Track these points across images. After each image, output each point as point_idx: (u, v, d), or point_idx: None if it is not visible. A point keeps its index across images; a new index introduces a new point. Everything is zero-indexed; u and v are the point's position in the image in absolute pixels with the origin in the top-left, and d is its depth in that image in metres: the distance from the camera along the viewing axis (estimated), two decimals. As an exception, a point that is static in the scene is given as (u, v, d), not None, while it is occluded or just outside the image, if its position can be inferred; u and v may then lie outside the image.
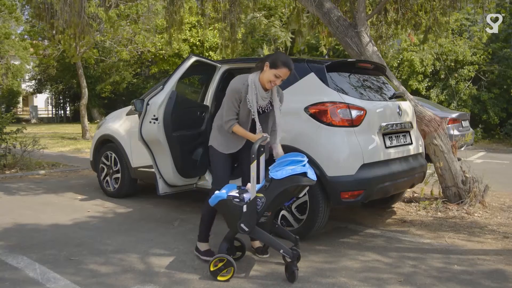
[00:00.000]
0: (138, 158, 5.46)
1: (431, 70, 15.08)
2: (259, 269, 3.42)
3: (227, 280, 3.14)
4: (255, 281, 3.18)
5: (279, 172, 3.10)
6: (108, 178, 5.98)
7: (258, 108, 3.42)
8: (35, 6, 7.96)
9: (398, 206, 5.44)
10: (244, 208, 3.16)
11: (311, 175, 3.17)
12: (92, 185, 6.76)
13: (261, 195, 3.16)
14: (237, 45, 7.69)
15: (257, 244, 3.72)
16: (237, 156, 3.64)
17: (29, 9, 19.19)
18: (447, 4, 6.73)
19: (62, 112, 33.48)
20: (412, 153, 4.69)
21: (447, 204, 5.27)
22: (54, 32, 8.71)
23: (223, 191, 3.33)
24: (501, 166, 9.27)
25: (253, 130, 3.48)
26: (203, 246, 3.61)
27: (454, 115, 9.93)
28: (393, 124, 4.42)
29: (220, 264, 3.16)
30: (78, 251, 3.78)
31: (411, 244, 4.07)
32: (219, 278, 3.15)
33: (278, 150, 3.51)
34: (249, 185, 3.23)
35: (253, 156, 3.12)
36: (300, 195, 3.91)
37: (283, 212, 4.17)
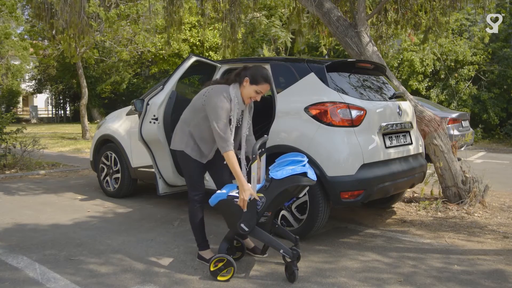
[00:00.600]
0: (138, 158, 5.46)
1: (431, 70, 15.08)
2: (259, 269, 3.42)
3: (227, 280, 3.14)
4: (255, 281, 3.18)
5: (279, 172, 3.10)
6: (108, 178, 5.98)
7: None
8: (35, 6, 7.93)
9: (398, 206, 5.43)
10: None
11: (311, 175, 3.17)
12: (92, 185, 6.77)
13: (261, 195, 3.16)
14: (237, 45, 7.69)
15: (251, 244, 3.71)
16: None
17: (29, 9, 19.19)
18: (447, 4, 6.73)
19: (62, 112, 33.49)
20: (412, 153, 4.69)
21: (447, 204, 5.27)
22: (53, 32, 8.69)
23: (223, 191, 3.33)
24: (501, 166, 9.27)
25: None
26: (207, 254, 3.52)
27: (454, 115, 9.94)
28: (393, 124, 4.42)
29: (220, 264, 3.16)
30: (78, 251, 3.78)
31: (411, 244, 4.07)
32: (219, 278, 3.15)
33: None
34: (249, 185, 3.24)
35: (253, 156, 3.11)
36: (300, 195, 3.91)
37: (283, 212, 4.17)
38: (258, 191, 3.17)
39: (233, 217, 3.22)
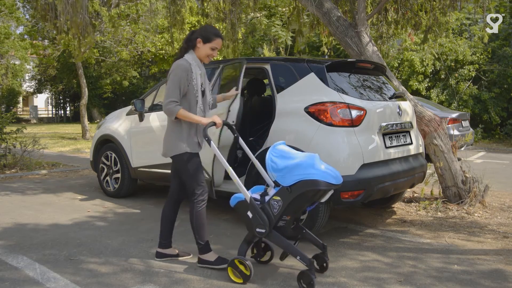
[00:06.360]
0: (138, 158, 5.46)
1: (431, 70, 15.08)
2: (259, 269, 3.41)
3: (243, 283, 3.09)
4: (255, 281, 3.18)
5: (287, 178, 2.98)
6: (108, 178, 5.98)
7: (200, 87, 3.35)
8: (40, 7, 7.95)
9: (398, 206, 5.43)
10: (250, 214, 3.11)
11: (332, 179, 2.97)
12: (92, 185, 6.77)
13: (278, 198, 3.05)
14: (238, 45, 7.68)
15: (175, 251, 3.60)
16: None
17: (30, 10, 19.17)
18: (447, 4, 6.73)
19: (62, 112, 33.52)
20: (412, 153, 4.69)
21: (447, 204, 5.27)
22: (55, 32, 8.72)
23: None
24: (501, 166, 9.27)
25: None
26: (211, 256, 3.40)
27: (454, 115, 9.94)
28: (393, 124, 4.42)
29: (241, 266, 3.09)
30: (78, 251, 3.78)
31: (411, 244, 4.07)
32: (232, 276, 3.11)
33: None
34: (270, 188, 3.21)
35: (206, 139, 3.17)
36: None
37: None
38: (275, 194, 3.08)
39: (250, 220, 3.14)
